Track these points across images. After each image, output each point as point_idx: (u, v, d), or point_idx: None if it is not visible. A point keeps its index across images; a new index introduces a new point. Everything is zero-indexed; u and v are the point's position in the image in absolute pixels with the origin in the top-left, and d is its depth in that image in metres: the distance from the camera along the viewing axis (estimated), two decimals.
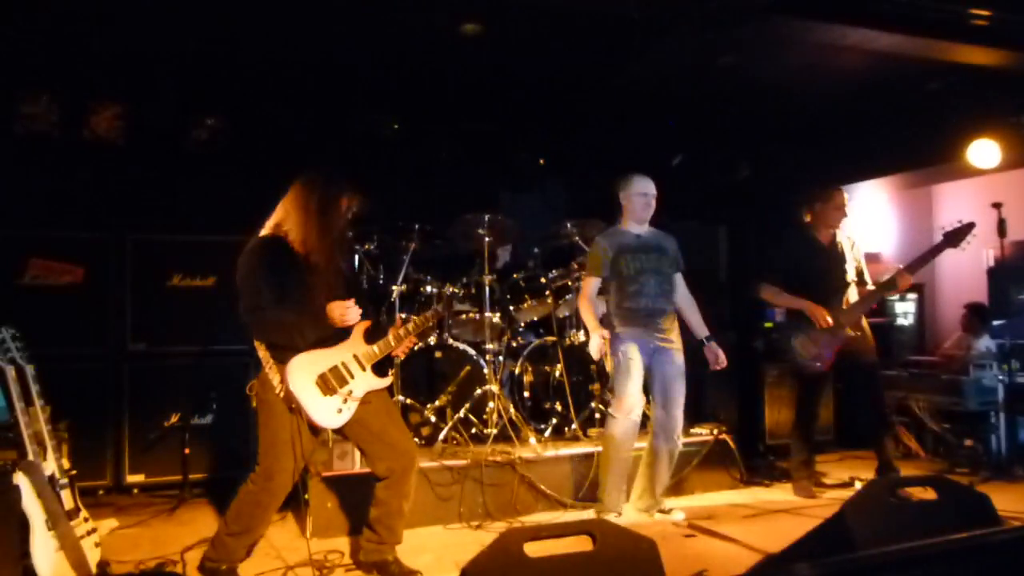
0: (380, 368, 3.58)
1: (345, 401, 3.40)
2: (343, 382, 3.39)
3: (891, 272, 4.86)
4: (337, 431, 3.54)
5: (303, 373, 3.31)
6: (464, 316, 5.50)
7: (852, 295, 4.95)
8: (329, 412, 3.37)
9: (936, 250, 4.81)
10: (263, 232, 3.45)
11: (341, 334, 3.45)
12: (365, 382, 3.47)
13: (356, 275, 3.83)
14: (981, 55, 4.96)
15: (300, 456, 3.36)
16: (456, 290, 5.49)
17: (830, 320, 4.77)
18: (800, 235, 5.16)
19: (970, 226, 4.70)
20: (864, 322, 5.00)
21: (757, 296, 5.20)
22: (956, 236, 4.71)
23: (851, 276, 4.99)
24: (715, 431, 5.36)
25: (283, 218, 3.45)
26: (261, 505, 3.39)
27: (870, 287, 4.99)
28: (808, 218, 5.15)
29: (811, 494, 4.96)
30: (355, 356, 3.46)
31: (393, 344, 3.55)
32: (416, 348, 5.35)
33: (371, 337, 3.54)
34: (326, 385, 3.35)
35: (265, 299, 3.27)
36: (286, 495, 3.43)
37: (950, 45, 4.81)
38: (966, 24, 4.64)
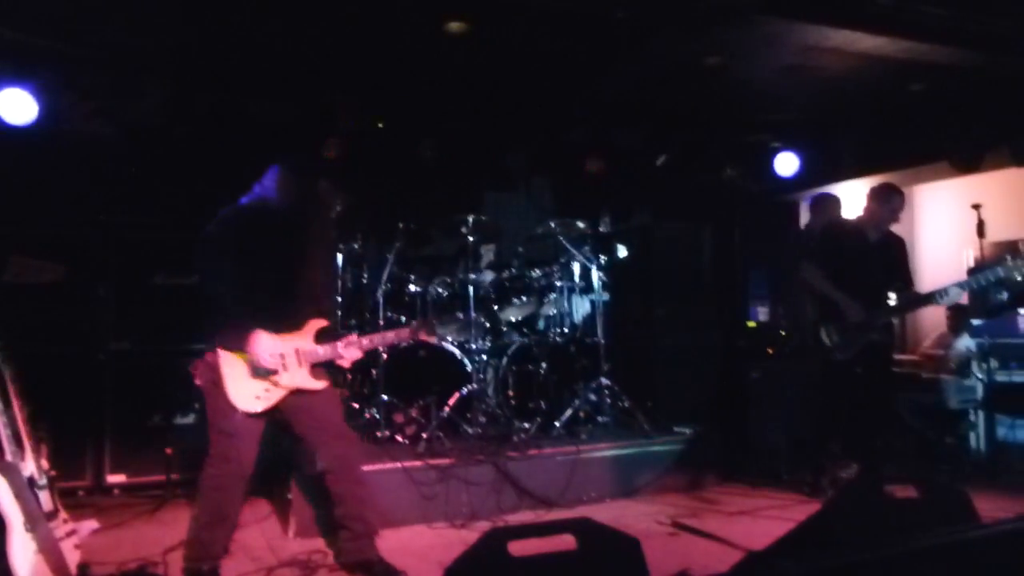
0: (319, 369, 3.52)
1: (267, 390, 3.36)
2: (274, 371, 3.37)
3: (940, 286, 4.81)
4: (279, 422, 3.53)
5: (233, 359, 3.33)
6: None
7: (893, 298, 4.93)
8: (247, 395, 3.35)
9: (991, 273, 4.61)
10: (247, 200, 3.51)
11: (298, 322, 3.45)
12: (296, 378, 3.42)
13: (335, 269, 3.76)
14: (961, 57, 5.00)
15: (250, 439, 3.38)
16: (441, 290, 5.49)
17: (862, 315, 4.79)
18: (849, 228, 5.13)
19: None
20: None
21: (799, 275, 5.21)
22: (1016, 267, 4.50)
23: (894, 279, 4.95)
24: (699, 429, 5.39)
25: (265, 195, 3.50)
26: (223, 489, 3.39)
27: (912, 294, 4.95)
28: (865, 214, 5.10)
29: (815, 493, 4.94)
30: (297, 350, 3.42)
31: (341, 353, 3.49)
32: (400, 347, 5.34)
33: (322, 337, 3.50)
34: (255, 369, 3.34)
35: (225, 280, 3.32)
36: (247, 479, 3.43)
37: (932, 47, 4.86)
38: (946, 26, 4.68)
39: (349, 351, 3.51)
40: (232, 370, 3.33)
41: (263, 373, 3.36)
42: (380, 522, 4.29)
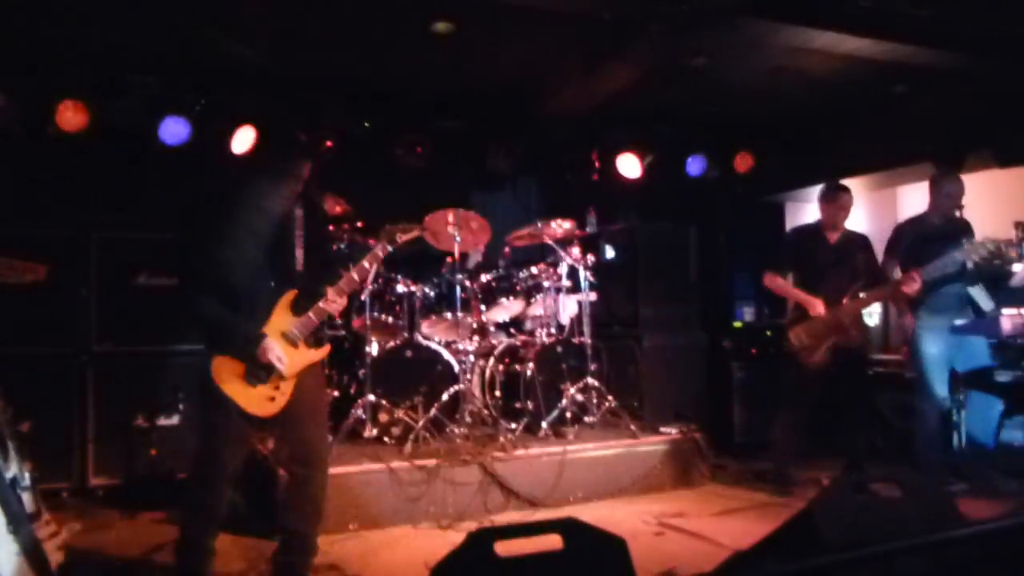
0: (314, 337, 3.37)
1: (277, 388, 3.24)
2: (271, 369, 3.23)
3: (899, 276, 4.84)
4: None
5: (227, 367, 3.20)
6: (435, 316, 5.46)
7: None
8: (261, 401, 3.23)
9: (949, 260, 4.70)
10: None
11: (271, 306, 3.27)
12: (298, 359, 3.28)
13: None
14: (944, 59, 5.05)
15: (239, 439, 3.30)
16: (428, 290, 5.49)
17: (823, 310, 4.85)
18: (809, 232, 5.22)
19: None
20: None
21: (763, 283, 5.29)
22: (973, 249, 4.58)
23: (858, 278, 4.98)
24: (685, 429, 5.41)
25: (225, 180, 3.42)
26: (209, 487, 3.32)
27: (878, 289, 4.99)
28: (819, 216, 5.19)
29: (783, 492, 5.00)
30: (283, 335, 3.26)
31: (325, 308, 3.32)
32: (387, 347, 5.33)
33: (299, 306, 3.33)
34: (255, 375, 3.20)
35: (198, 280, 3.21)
36: (233, 478, 3.36)
37: (915, 48, 4.90)
38: (929, 28, 4.72)
39: (332, 304, 3.34)
40: (231, 385, 3.19)
41: (264, 376, 3.22)
42: (366, 523, 4.32)
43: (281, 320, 3.29)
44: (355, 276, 3.40)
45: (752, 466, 5.59)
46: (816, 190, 7.55)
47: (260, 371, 3.21)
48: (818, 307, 4.90)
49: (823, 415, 5.11)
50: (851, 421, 5.07)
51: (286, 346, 3.26)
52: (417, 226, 3.75)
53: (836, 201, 5.09)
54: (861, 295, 4.92)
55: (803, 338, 4.97)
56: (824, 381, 4.99)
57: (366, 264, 3.47)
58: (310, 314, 3.31)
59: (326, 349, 3.41)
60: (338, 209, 3.89)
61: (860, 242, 5.17)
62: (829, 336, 4.90)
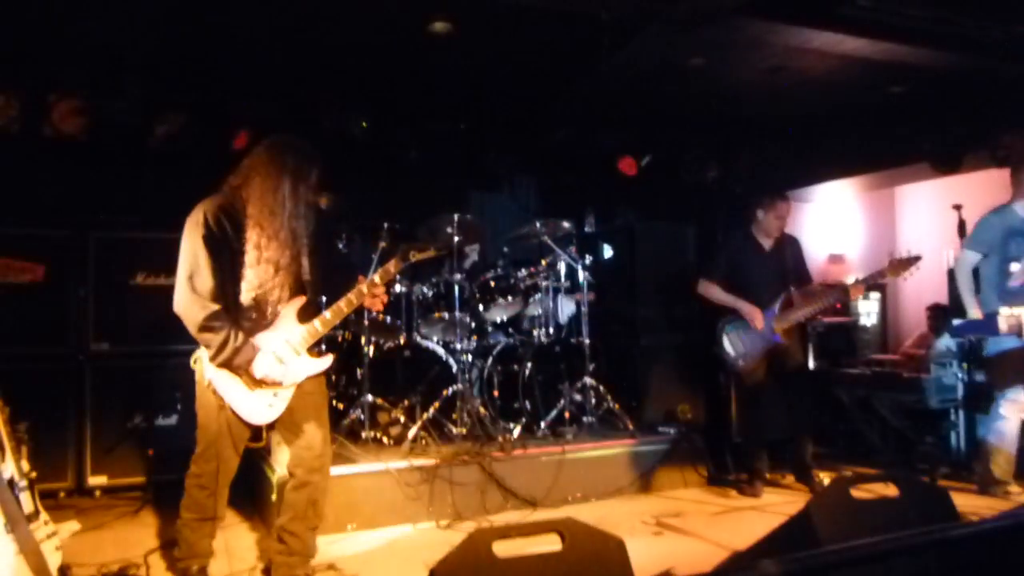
0: (316, 348, 3.31)
1: (276, 395, 3.19)
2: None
3: (840, 284, 4.94)
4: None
5: (227, 370, 3.13)
6: (436, 314, 5.46)
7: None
8: (258, 408, 3.18)
9: (880, 275, 4.85)
10: (215, 196, 3.22)
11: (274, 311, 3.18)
12: (299, 368, 3.22)
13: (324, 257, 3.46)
14: (941, 59, 5.05)
15: (236, 441, 3.24)
16: (426, 290, 5.48)
17: (761, 324, 4.91)
18: (742, 238, 5.25)
19: (916, 259, 4.76)
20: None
21: (695, 291, 5.29)
22: (901, 266, 4.73)
23: (790, 280, 5.05)
24: (683, 429, 5.41)
25: (241, 183, 3.20)
26: (206, 489, 3.28)
27: (812, 296, 5.02)
28: (753, 223, 5.22)
29: (750, 492, 5.02)
30: (287, 342, 3.19)
31: (330, 319, 3.26)
32: (385, 347, 5.32)
33: (305, 315, 3.27)
34: (253, 380, 3.14)
35: (199, 285, 3.06)
36: (230, 479, 3.32)
37: (912, 49, 4.90)
38: (927, 29, 4.72)
39: (339, 315, 3.26)
40: (230, 388, 3.15)
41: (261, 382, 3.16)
42: (365, 523, 4.32)
43: (286, 327, 3.23)
44: (364, 289, 3.34)
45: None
46: (816, 190, 7.63)
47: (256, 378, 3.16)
48: (757, 319, 4.92)
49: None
50: (795, 425, 5.12)
51: (289, 354, 3.20)
52: (433, 246, 3.68)
53: (773, 209, 5.11)
54: (795, 303, 4.95)
55: (737, 346, 5.00)
56: (763, 384, 5.05)
57: (376, 279, 3.37)
58: (316, 323, 3.25)
59: (329, 359, 3.35)
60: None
61: (791, 245, 5.23)
62: (763, 345, 4.96)
